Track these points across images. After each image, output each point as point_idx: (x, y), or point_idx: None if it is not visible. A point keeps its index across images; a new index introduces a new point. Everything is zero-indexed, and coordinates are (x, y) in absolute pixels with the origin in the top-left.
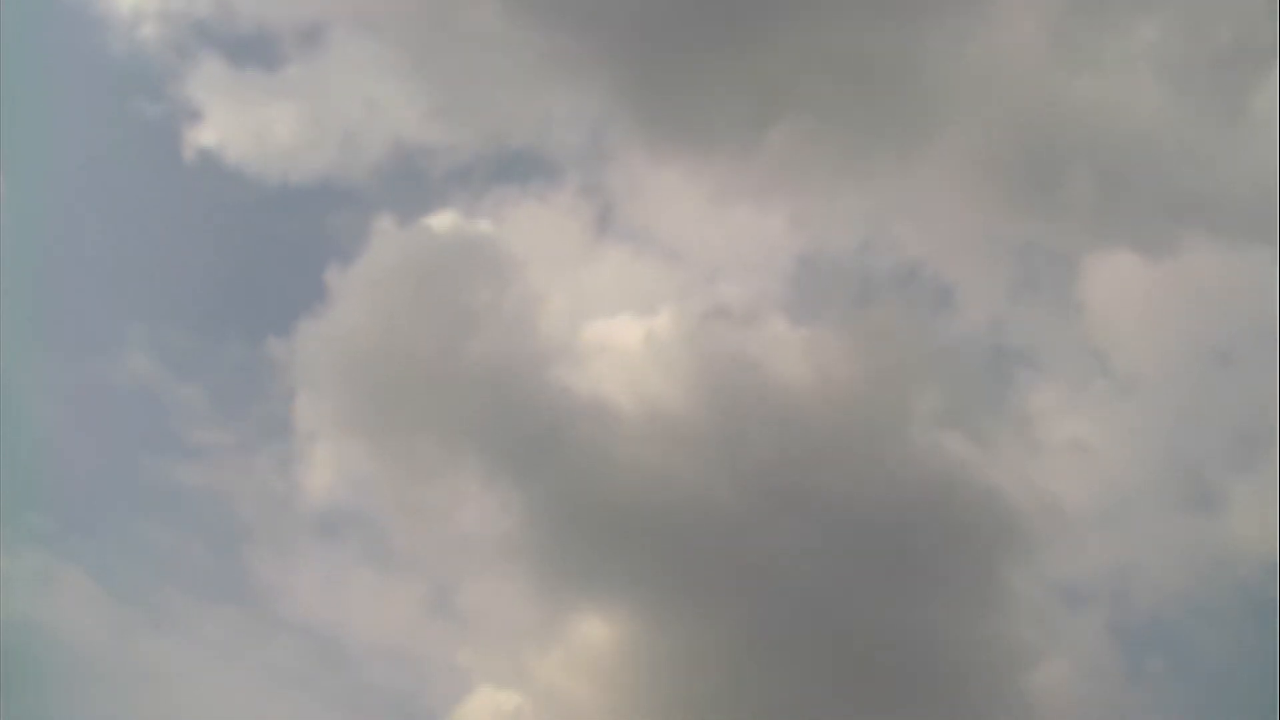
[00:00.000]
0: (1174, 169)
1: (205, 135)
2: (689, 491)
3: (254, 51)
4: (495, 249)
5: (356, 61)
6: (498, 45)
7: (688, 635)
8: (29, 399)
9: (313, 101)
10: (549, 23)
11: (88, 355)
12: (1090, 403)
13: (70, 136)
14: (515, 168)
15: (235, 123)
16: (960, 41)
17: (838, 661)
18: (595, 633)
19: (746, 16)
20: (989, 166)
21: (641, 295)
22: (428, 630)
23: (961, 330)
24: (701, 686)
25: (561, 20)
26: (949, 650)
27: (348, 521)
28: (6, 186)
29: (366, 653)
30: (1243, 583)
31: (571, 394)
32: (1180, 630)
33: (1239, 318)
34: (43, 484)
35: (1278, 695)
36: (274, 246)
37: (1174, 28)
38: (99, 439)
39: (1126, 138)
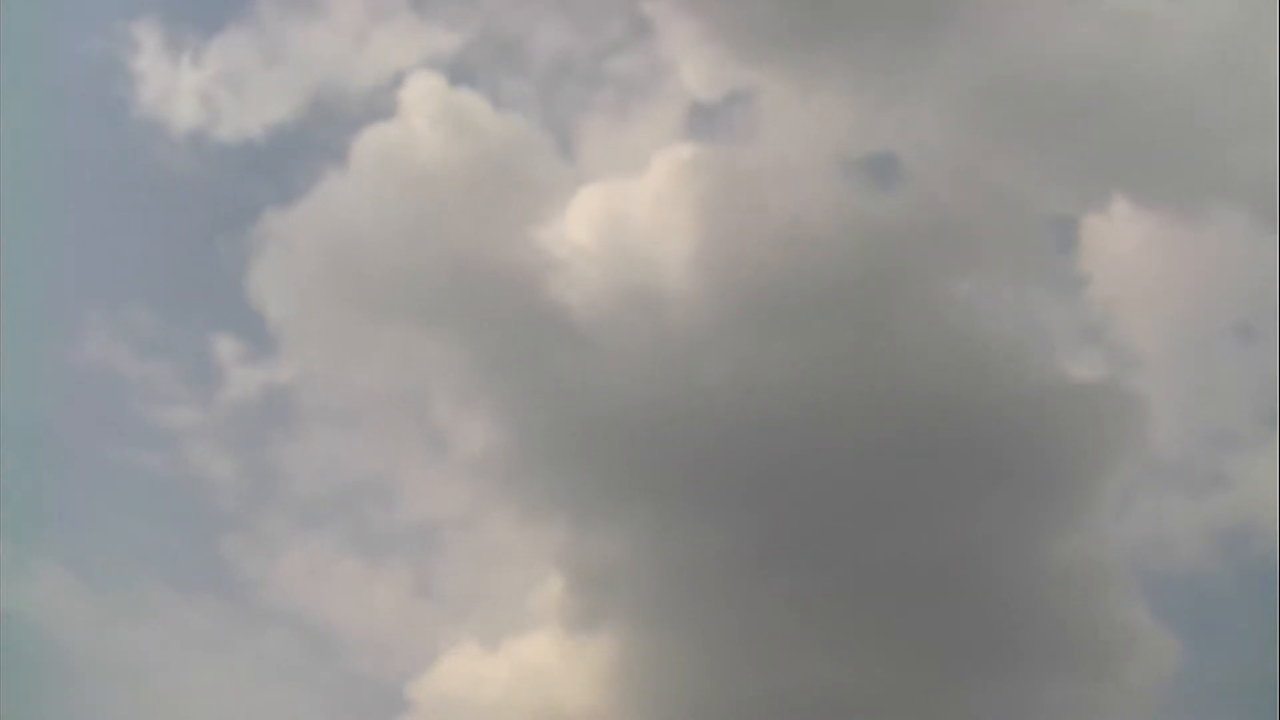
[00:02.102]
0: (1195, 130)
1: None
2: (693, 393)
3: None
4: (480, 146)
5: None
6: None
7: (693, 554)
8: None
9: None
10: None
11: (49, 340)
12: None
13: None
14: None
15: (194, 80)
16: None
17: (866, 583)
18: (584, 580)
19: None
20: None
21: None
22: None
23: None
24: (708, 611)
25: None
26: (996, 566)
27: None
28: None
29: (350, 630)
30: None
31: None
32: (1189, 608)
33: (1259, 290)
34: (11, 475)
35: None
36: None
37: None
38: (66, 425)
39: (1144, 93)
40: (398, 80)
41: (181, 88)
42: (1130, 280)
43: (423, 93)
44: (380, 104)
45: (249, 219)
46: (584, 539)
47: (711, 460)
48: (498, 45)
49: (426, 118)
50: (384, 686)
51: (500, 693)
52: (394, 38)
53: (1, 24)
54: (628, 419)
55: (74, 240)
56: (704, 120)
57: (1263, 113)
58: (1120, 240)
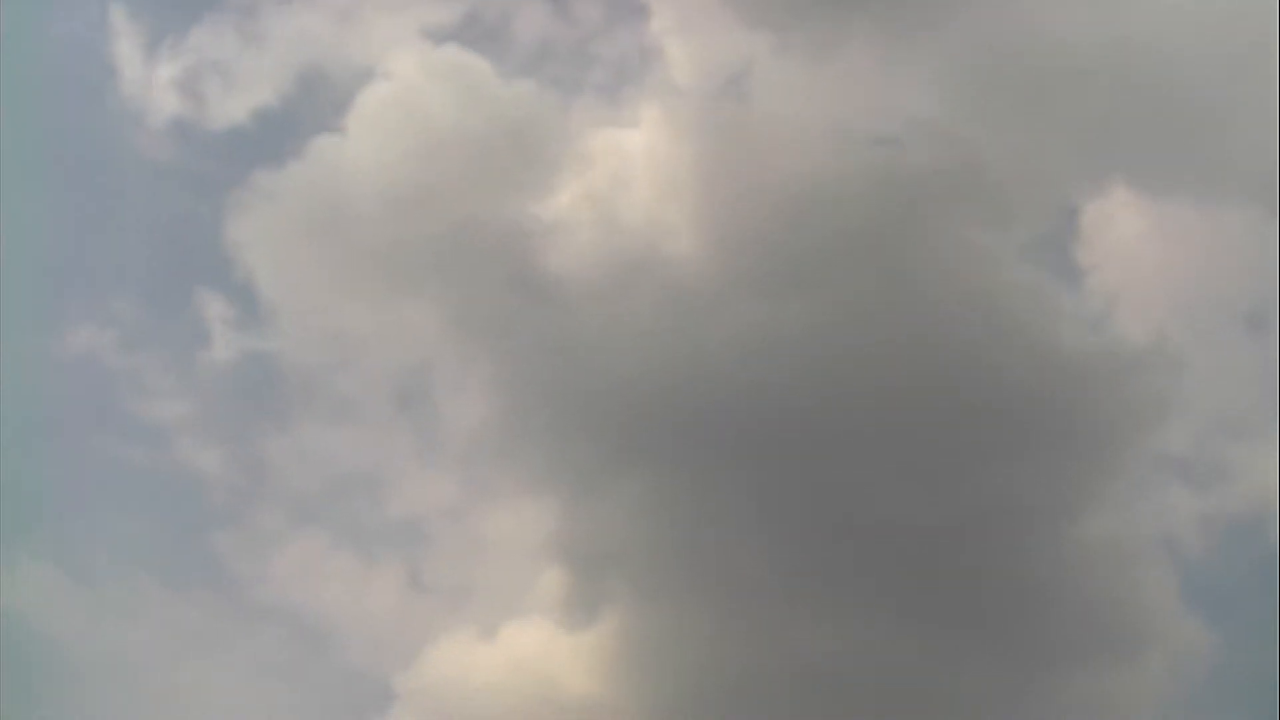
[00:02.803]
0: (1201, 115)
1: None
2: (697, 359)
3: None
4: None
5: None
6: None
7: (694, 530)
8: None
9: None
10: None
11: (34, 333)
12: None
13: None
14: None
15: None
16: None
17: (877, 557)
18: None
19: None
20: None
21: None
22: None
23: None
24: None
25: None
26: (1012, 538)
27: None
28: None
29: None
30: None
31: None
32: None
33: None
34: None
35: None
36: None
37: None
38: (54, 419)
39: (1147, 76)
40: (385, 54)
41: (160, 74)
42: (1132, 268)
43: (414, 60)
44: (370, 77)
45: (238, 201)
46: (580, 518)
47: (716, 430)
48: (487, 24)
49: (418, 83)
50: (380, 679)
51: (497, 678)
52: (381, 16)
53: None
54: (627, 389)
55: (57, 232)
56: (702, 91)
57: (1268, 97)
58: (1122, 227)
